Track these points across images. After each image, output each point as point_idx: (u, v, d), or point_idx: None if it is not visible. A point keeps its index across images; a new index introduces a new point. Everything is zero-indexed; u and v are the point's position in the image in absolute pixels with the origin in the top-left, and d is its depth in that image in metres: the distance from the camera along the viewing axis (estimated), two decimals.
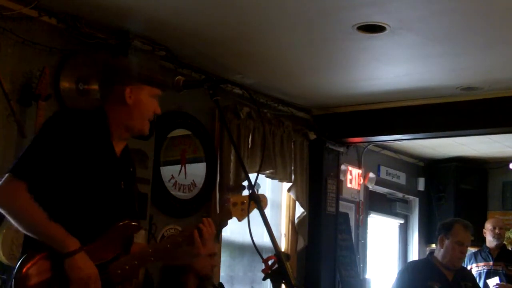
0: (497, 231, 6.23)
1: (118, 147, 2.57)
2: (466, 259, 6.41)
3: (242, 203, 2.62)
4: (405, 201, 8.64)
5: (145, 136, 4.75)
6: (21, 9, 4.18)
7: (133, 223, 2.51)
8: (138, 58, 4.77)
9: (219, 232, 5.51)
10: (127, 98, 2.53)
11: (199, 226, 2.55)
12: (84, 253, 2.32)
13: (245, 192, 2.68)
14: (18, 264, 2.29)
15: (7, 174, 2.36)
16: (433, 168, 8.72)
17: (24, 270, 2.27)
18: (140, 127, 2.59)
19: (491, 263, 6.21)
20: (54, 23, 4.42)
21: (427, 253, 8.20)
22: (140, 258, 2.49)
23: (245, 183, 2.60)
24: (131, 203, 2.59)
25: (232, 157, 5.62)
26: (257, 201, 2.29)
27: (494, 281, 6.01)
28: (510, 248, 7.63)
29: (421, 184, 8.63)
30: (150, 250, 2.53)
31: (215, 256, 4.13)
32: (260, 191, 2.52)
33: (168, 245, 2.56)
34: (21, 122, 4.16)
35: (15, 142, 4.17)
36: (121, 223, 2.47)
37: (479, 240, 6.44)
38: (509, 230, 8.06)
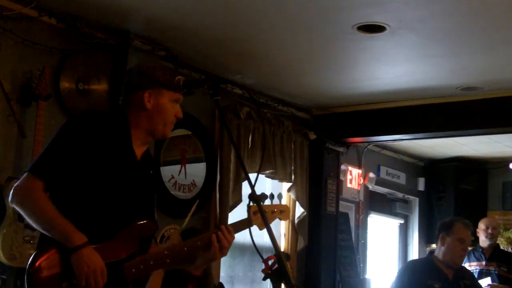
0: (490, 231, 6.21)
1: (139, 151, 2.57)
2: None
3: (264, 212, 2.57)
4: (405, 201, 8.64)
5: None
6: (21, 9, 4.18)
7: (151, 224, 2.51)
8: (138, 58, 4.78)
9: None
10: (146, 102, 2.53)
11: (217, 232, 2.54)
12: (91, 248, 2.33)
13: (267, 202, 2.68)
14: (31, 258, 2.33)
15: (25, 173, 2.40)
16: (433, 168, 8.73)
17: (36, 264, 2.30)
18: (161, 131, 2.58)
19: (484, 263, 6.20)
20: (54, 23, 4.43)
21: (427, 253, 8.21)
22: (156, 259, 2.48)
23: (268, 192, 2.58)
24: (149, 206, 2.59)
25: (232, 157, 5.63)
26: (257, 202, 2.29)
27: (486, 281, 5.99)
28: (510, 249, 7.64)
29: (421, 184, 8.63)
30: (166, 252, 2.51)
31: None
32: (261, 191, 2.51)
33: (185, 248, 2.54)
34: (21, 122, 4.16)
35: (15, 142, 4.17)
36: (138, 223, 2.47)
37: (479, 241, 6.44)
38: (509, 230, 8.06)
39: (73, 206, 2.40)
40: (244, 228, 2.66)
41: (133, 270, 2.41)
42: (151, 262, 2.45)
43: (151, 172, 2.65)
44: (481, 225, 6.31)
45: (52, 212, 2.35)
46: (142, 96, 2.53)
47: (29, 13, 4.25)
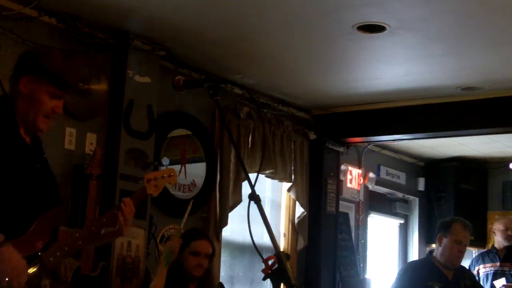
0: (509, 232, 6.21)
1: (28, 137, 2.54)
2: (473, 261, 6.41)
3: (155, 178, 2.76)
4: (405, 201, 8.64)
5: (145, 136, 4.81)
6: (21, 9, 4.18)
7: (60, 210, 2.56)
8: (138, 58, 4.77)
9: (219, 232, 5.52)
10: (22, 88, 2.48)
11: (120, 206, 2.62)
12: (10, 246, 2.29)
13: (162, 168, 2.79)
14: None
15: None
16: (433, 168, 8.72)
17: None
18: (32, 123, 2.52)
19: (498, 264, 6.19)
20: (54, 23, 4.42)
21: (427, 252, 8.21)
22: (70, 243, 2.53)
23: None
24: (51, 189, 2.59)
25: (232, 157, 5.62)
26: (257, 201, 2.29)
27: (500, 282, 5.98)
28: None
29: (421, 184, 8.63)
30: (78, 235, 2.58)
31: (199, 255, 4.18)
32: (260, 191, 2.52)
33: (94, 228, 2.63)
34: None
35: None
36: (49, 211, 2.49)
37: (480, 240, 6.43)
38: None
39: None
40: (142, 196, 2.78)
41: (51, 259, 2.44)
42: (66, 248, 2.50)
43: (44, 155, 2.62)
44: (500, 226, 6.28)
45: None
46: (21, 80, 2.47)
47: (29, 13, 4.25)
